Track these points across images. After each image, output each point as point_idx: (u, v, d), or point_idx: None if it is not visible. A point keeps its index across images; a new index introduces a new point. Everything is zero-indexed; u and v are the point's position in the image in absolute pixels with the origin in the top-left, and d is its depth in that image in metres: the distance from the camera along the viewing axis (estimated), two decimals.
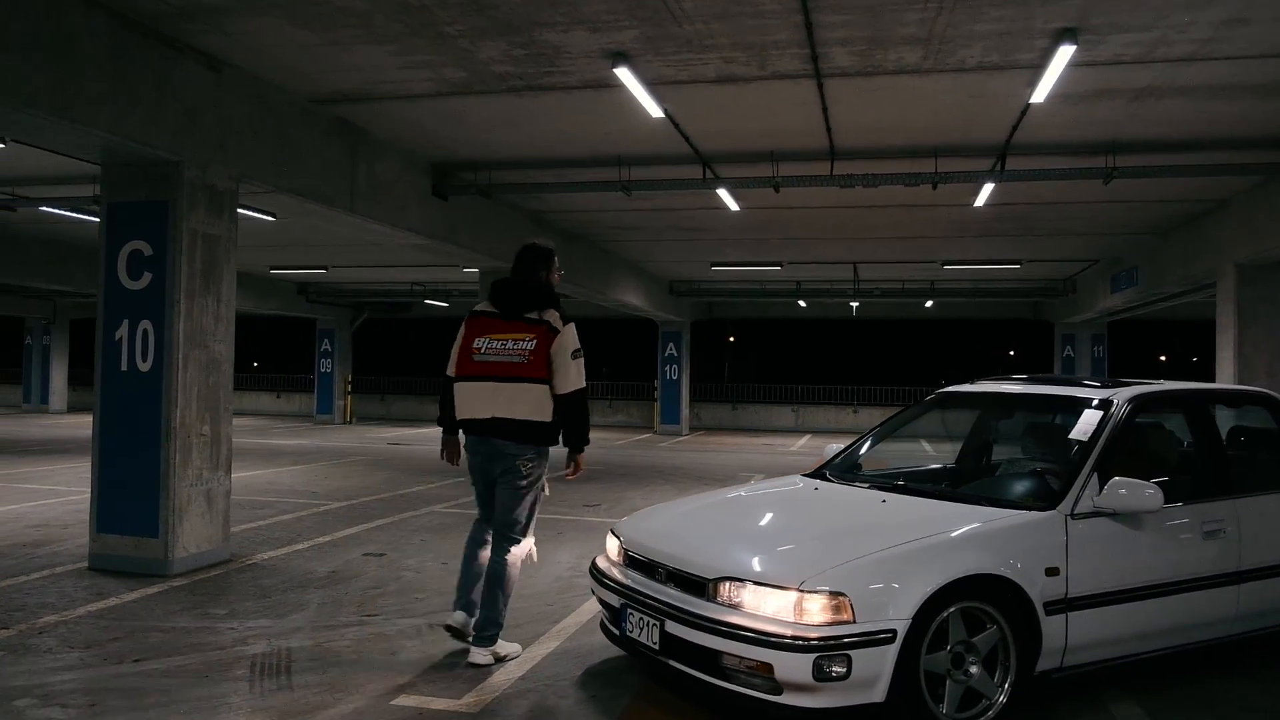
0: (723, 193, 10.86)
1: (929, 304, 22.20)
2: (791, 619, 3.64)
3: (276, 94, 7.57)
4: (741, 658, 3.70)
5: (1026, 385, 5.41)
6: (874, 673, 3.60)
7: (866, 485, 4.86)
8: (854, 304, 21.46)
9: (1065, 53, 6.26)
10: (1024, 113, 7.91)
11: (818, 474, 5.29)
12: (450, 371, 4.88)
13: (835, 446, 5.71)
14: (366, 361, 34.55)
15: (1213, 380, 11.84)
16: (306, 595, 6.10)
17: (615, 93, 7.40)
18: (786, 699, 3.63)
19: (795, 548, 4.08)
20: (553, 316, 4.68)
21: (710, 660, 3.81)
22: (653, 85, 7.30)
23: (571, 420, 4.78)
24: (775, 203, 12.05)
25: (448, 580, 6.53)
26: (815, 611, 3.63)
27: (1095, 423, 4.60)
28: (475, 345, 4.74)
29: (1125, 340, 23.31)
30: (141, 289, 6.64)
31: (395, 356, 31.44)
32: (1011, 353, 26.16)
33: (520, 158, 9.94)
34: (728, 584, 3.86)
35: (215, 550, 6.96)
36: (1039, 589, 3.96)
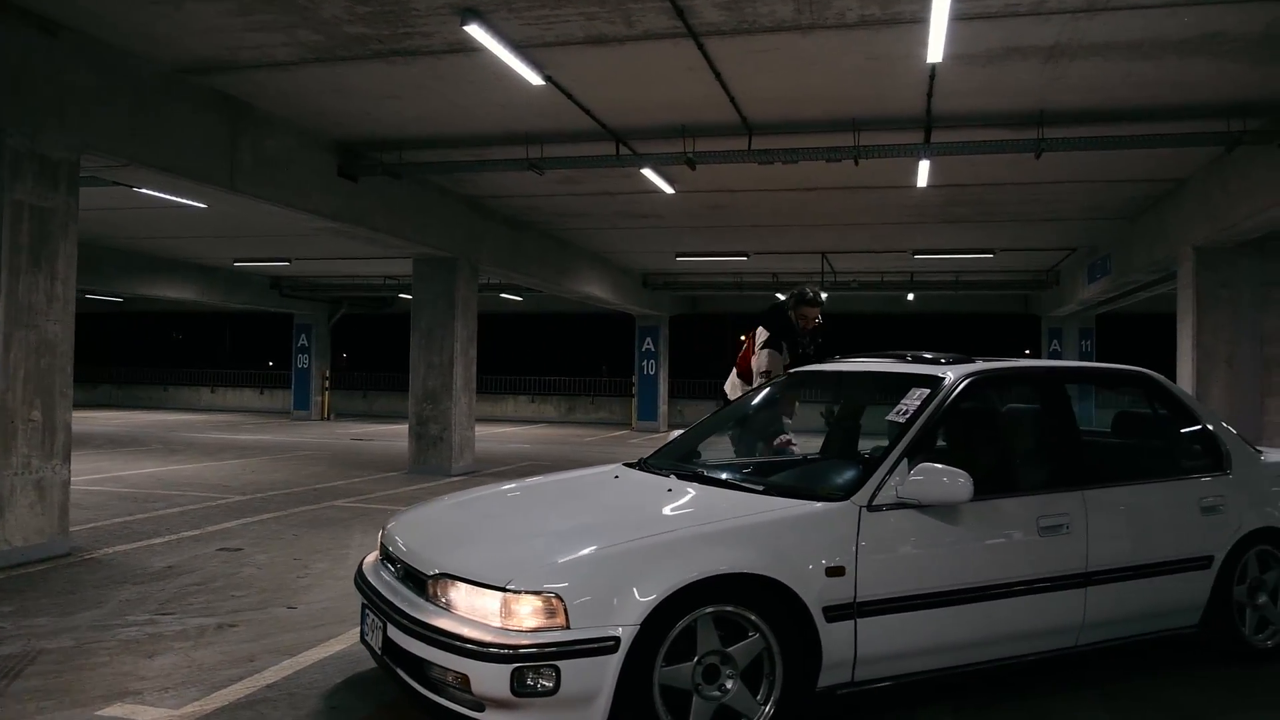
0: (649, 173, 10.36)
1: (910, 297, 21.52)
2: (498, 623, 3.14)
3: (133, 62, 7.14)
4: (445, 668, 3.20)
5: (870, 363, 4.87)
6: (590, 687, 3.08)
7: (668, 474, 4.32)
8: (823, 295, 20.75)
9: (944, 1, 5.70)
10: (933, 78, 7.36)
11: (637, 461, 4.77)
12: None
13: (676, 434, 5.18)
14: (349, 357, 34.33)
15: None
16: (116, 592, 5.66)
17: (485, 58, 6.92)
18: (488, 717, 3.13)
19: (523, 542, 3.56)
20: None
21: (421, 669, 3.32)
22: (521, 48, 6.82)
23: None
24: (714, 186, 11.53)
25: (286, 577, 6.11)
26: (524, 615, 3.12)
27: (917, 403, 4.05)
28: None
29: (1114, 334, 22.51)
30: None
31: (378, 352, 31.11)
32: (1001, 348, 25.42)
33: (427, 136, 9.47)
34: (443, 582, 3.36)
35: (49, 544, 6.53)
36: (817, 591, 3.42)
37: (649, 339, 23.13)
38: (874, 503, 3.66)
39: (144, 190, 9.95)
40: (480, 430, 21.41)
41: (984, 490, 4.05)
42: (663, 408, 23.31)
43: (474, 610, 3.21)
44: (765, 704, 3.35)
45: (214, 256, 19.11)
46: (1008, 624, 3.89)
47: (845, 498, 3.66)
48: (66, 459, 6.70)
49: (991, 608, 3.82)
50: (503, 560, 3.34)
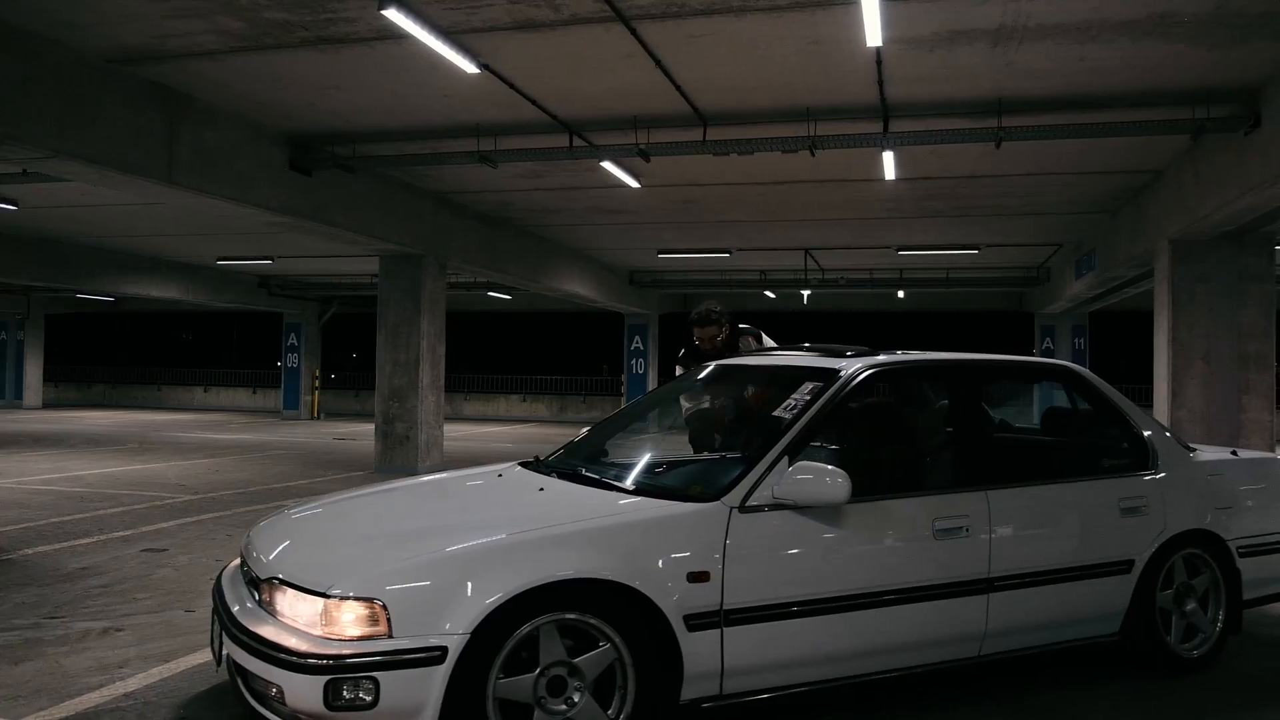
0: (610, 167, 10.14)
1: (901, 294, 21.24)
2: (318, 631, 2.94)
3: (57, 51, 6.95)
4: (264, 679, 2.99)
5: (776, 358, 4.63)
6: (414, 701, 2.87)
7: (551, 473, 4.10)
8: (805, 293, 20.54)
9: None
10: (880, 64, 7.11)
11: (533, 459, 4.55)
12: None
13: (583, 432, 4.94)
14: (342, 357, 34.16)
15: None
16: (15, 595, 5.48)
17: (416, 46, 6.70)
18: None
19: (360, 545, 3.34)
20: None
21: (246, 679, 3.11)
22: (450, 34, 6.61)
23: None
24: (681, 180, 11.34)
25: (199, 580, 5.92)
26: (345, 623, 2.92)
27: (806, 398, 3.82)
28: None
29: (1109, 331, 22.15)
30: None
31: (371, 351, 30.87)
32: (994, 346, 25.06)
33: (378, 129, 9.28)
34: (272, 587, 3.15)
35: None
36: (677, 598, 3.20)
37: (638, 337, 22.92)
38: (748, 504, 3.43)
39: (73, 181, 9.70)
40: (469, 429, 21.36)
41: (873, 490, 3.85)
42: None
43: (296, 617, 3.01)
44: (617, 718, 3.13)
45: (196, 255, 18.99)
46: (899, 633, 3.65)
47: (716, 498, 3.44)
48: None
49: (880, 615, 3.59)
50: (331, 564, 3.14)
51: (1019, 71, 7.23)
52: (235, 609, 3.28)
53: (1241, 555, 4.49)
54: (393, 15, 6.06)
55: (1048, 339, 20.74)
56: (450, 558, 3.07)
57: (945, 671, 3.86)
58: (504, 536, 3.18)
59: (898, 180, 10.82)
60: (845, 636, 3.54)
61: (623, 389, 23.40)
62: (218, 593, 3.57)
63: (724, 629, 3.29)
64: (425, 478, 4.62)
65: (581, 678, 3.10)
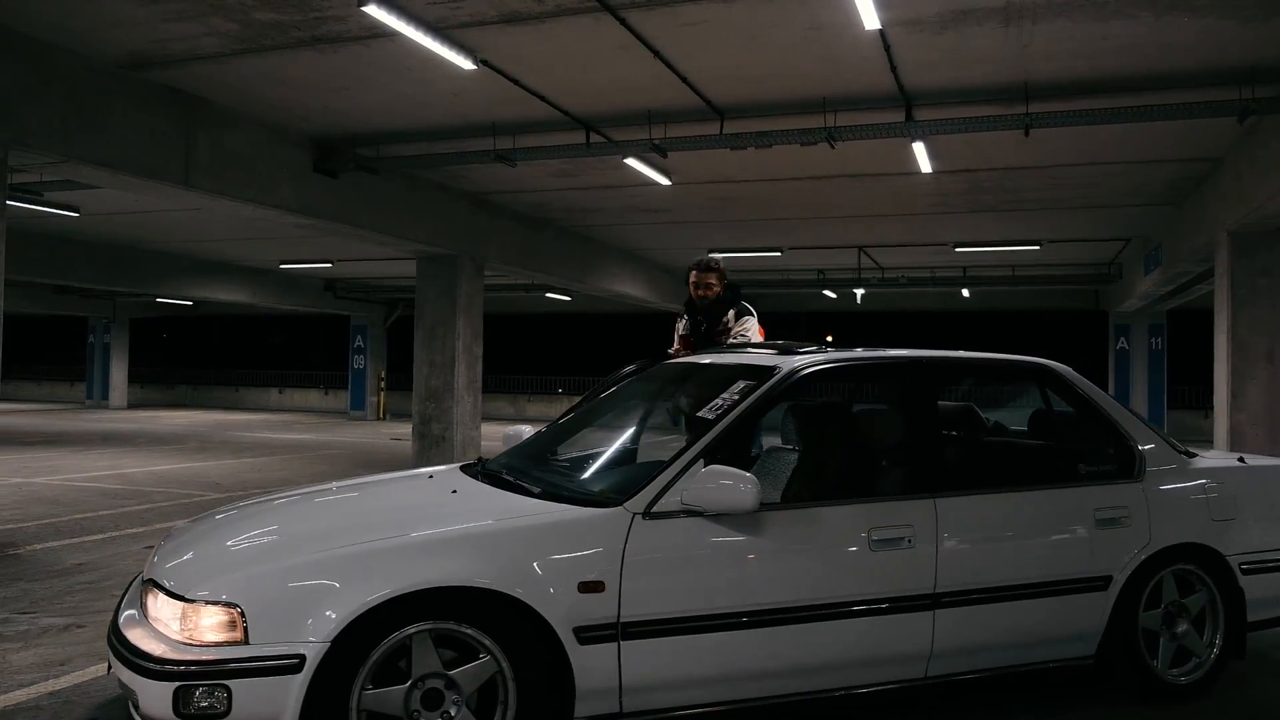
0: (635, 164, 9.96)
1: (965, 293, 20.52)
2: (177, 636, 2.84)
3: (66, 58, 7.11)
4: (125, 684, 2.91)
5: (724, 356, 4.39)
6: (268, 711, 2.74)
7: (478, 476, 3.93)
8: (859, 292, 19.99)
9: None
10: (888, 49, 6.78)
11: (475, 460, 4.40)
12: None
13: (525, 429, 4.76)
14: (408, 358, 34.68)
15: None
16: (6, 590, 5.59)
17: (411, 44, 6.64)
18: None
19: (242, 547, 3.23)
20: None
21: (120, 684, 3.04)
22: (439, 30, 6.53)
23: None
24: (713, 176, 11.12)
25: None
26: (203, 628, 2.81)
27: (733, 398, 3.59)
28: None
29: (1189, 331, 20.92)
30: None
31: None
32: (1067, 346, 23.90)
33: (396, 129, 9.30)
34: (147, 590, 3.07)
35: None
36: (565, 609, 3.01)
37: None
38: (654, 510, 3.21)
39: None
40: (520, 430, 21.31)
41: (804, 496, 3.60)
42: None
43: (161, 621, 2.92)
44: None
45: (260, 259, 19.45)
46: (828, 651, 3.39)
47: (619, 503, 3.23)
48: None
49: (804, 632, 3.33)
50: (202, 567, 3.05)
51: (1039, 54, 6.82)
52: (125, 614, 3.21)
53: (1245, 573, 4.08)
54: (373, 11, 6.00)
55: (1122, 339, 19.78)
56: (315, 564, 2.94)
57: (899, 693, 3.58)
58: (376, 542, 3.04)
59: (937, 173, 10.41)
60: (764, 654, 3.30)
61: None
62: (122, 596, 3.52)
63: (621, 643, 3.09)
64: (359, 479, 4.50)
65: (459, 691, 2.94)
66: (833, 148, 8.31)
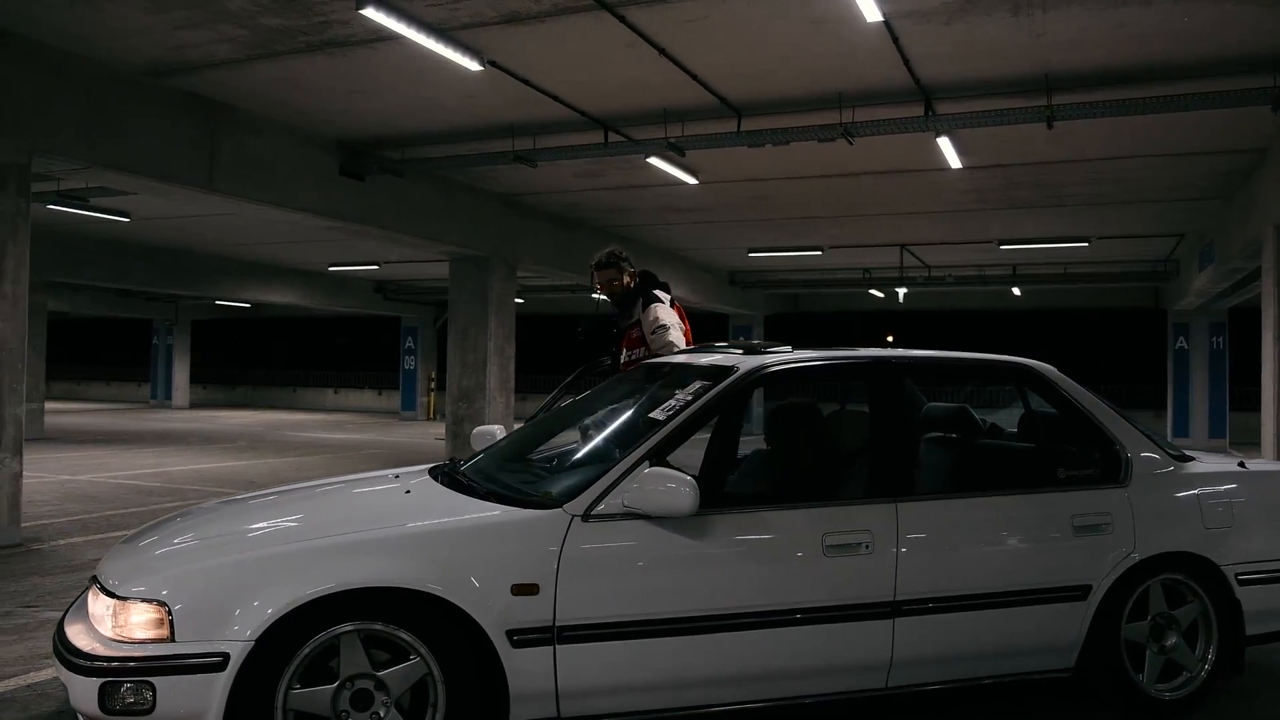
0: (658, 163, 9.90)
1: (1017, 291, 20.03)
2: (109, 633, 2.87)
3: (87, 67, 7.30)
4: (61, 679, 2.96)
5: (695, 355, 4.31)
6: (192, 709, 2.76)
7: (439, 477, 3.89)
8: (901, 291, 19.62)
9: None
10: (896, 41, 6.62)
11: (448, 460, 4.39)
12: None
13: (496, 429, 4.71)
14: None
15: None
16: (17, 583, 5.77)
17: (415, 46, 6.68)
18: None
19: (184, 546, 3.25)
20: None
21: None
22: (442, 32, 6.56)
23: None
24: (740, 175, 11.00)
25: None
26: (132, 625, 2.84)
27: (687, 399, 3.52)
28: None
29: (1254, 330, 20.13)
30: None
31: None
32: (1124, 346, 23.09)
33: (417, 132, 9.39)
34: (89, 585, 3.12)
35: None
36: (497, 612, 2.98)
37: (742, 338, 22.47)
38: (594, 512, 3.16)
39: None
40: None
41: (755, 499, 3.52)
42: (757, 409, 22.58)
43: (96, 617, 2.96)
44: None
45: (309, 261, 19.82)
46: (778, 659, 3.30)
47: (559, 505, 3.19)
48: (17, 452, 6.90)
49: (751, 639, 3.25)
50: (138, 564, 3.08)
51: (1055, 44, 6.60)
52: (72, 611, 3.27)
53: (1243, 583, 3.87)
54: (371, 13, 6.05)
55: (1181, 338, 19.08)
56: (243, 563, 2.95)
57: (859, 703, 3.48)
58: (306, 542, 3.04)
59: (970, 169, 10.18)
60: (710, 661, 3.22)
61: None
62: (80, 594, 3.58)
63: (557, 647, 3.05)
64: (328, 480, 4.50)
65: (388, 692, 2.92)
66: (850, 144, 8.15)
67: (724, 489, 3.58)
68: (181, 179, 8.15)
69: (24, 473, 7.08)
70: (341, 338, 35.80)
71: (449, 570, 2.98)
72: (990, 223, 13.72)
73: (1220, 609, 3.85)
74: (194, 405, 28.98)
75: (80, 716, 2.87)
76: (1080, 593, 3.65)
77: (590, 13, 6.27)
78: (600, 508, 3.17)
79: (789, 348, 3.93)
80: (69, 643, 2.91)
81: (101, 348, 37.03)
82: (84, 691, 2.78)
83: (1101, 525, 3.71)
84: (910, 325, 24.30)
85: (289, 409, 29.23)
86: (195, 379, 29.64)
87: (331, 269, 20.45)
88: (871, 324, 28.82)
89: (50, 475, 10.90)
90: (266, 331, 35.52)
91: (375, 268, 19.73)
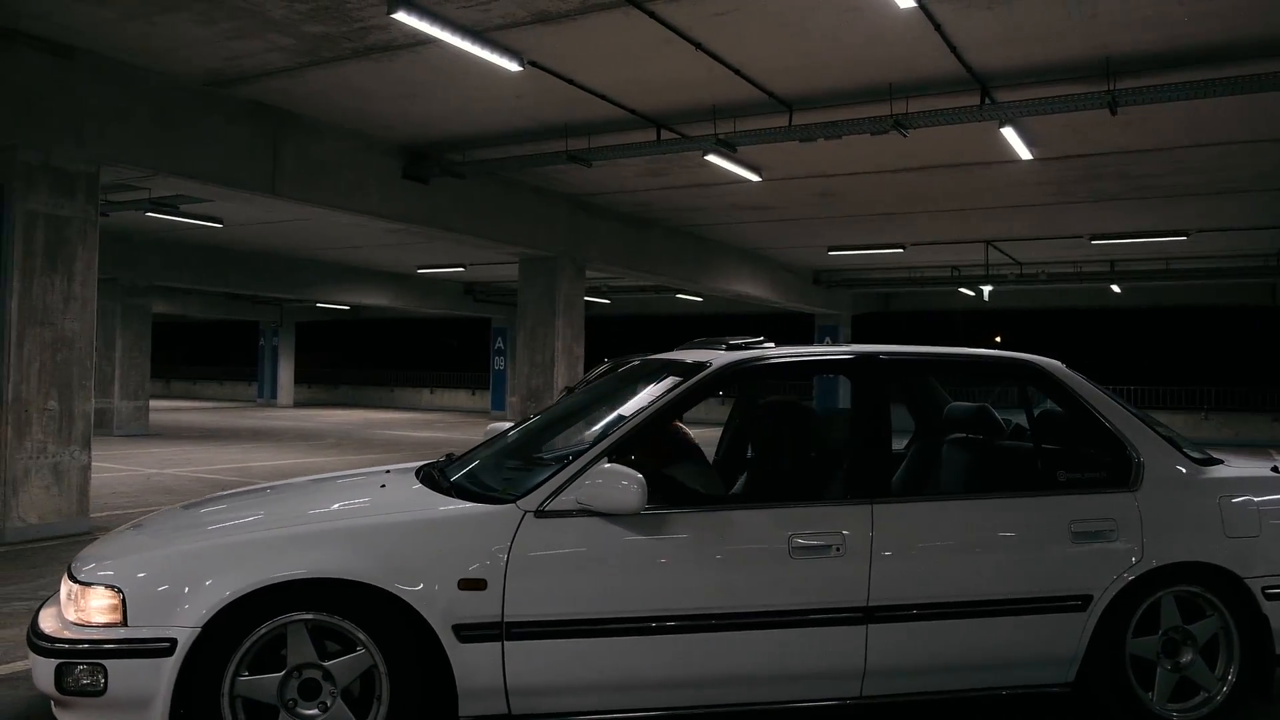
0: (716, 159, 9.79)
1: (1116, 289, 19.11)
2: (71, 616, 2.99)
3: (152, 78, 7.64)
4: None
5: (684, 352, 4.22)
6: (142, 692, 2.85)
7: (418, 474, 3.91)
8: (986, 289, 18.88)
9: None
10: (939, 28, 6.38)
11: (443, 458, 4.42)
12: None
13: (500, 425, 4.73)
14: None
15: None
16: (34, 570, 6.04)
17: (454, 49, 6.77)
18: (59, 714, 2.99)
19: (142, 534, 3.37)
20: None
21: None
22: (477, 34, 6.63)
23: None
24: (806, 171, 10.83)
25: None
26: (90, 609, 2.95)
27: (654, 396, 3.46)
28: None
29: None
30: None
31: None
32: (1237, 344, 21.60)
33: (475, 134, 9.53)
34: (65, 573, 3.25)
35: (66, 522, 7.13)
36: (443, 606, 2.98)
37: (828, 339, 22.12)
38: (547, 508, 3.14)
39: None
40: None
41: (721, 498, 3.44)
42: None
43: (63, 602, 3.08)
44: None
45: (399, 264, 20.37)
46: (740, 662, 3.21)
47: (514, 500, 3.17)
48: (86, 445, 7.28)
49: (713, 641, 3.17)
50: (105, 552, 3.20)
51: (1109, 24, 6.27)
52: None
53: (1270, 598, 3.59)
54: (403, 18, 6.15)
55: None
56: (196, 552, 3.04)
57: (831, 711, 3.36)
58: (258, 533, 3.11)
59: (1045, 160, 9.78)
60: (665, 662, 3.16)
61: (812, 391, 22.66)
62: None
63: (506, 643, 3.03)
64: (325, 475, 4.57)
65: (334, 682, 2.96)
66: (904, 136, 7.91)
67: (689, 488, 3.50)
68: (245, 184, 8.47)
69: (116, 466, 7.44)
70: (438, 339, 36.74)
71: (393, 563, 2.99)
72: (1076, 217, 13.12)
73: (1244, 625, 3.58)
74: (297, 404, 30.12)
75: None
76: (1079, 603, 3.44)
77: (619, 9, 6.24)
78: (554, 504, 3.15)
79: (772, 344, 3.83)
80: (37, 627, 3.04)
81: (216, 349, 38.90)
82: (43, 671, 2.90)
83: (1104, 531, 3.49)
84: (1010, 325, 23.44)
85: (386, 408, 30.10)
86: (299, 379, 30.80)
87: (420, 271, 20.96)
88: (973, 324, 27.95)
89: (139, 469, 11.48)
90: (366, 333, 36.70)
91: (461, 270, 20.13)
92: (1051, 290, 19.76)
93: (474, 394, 30.40)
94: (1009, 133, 8.47)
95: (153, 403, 19.01)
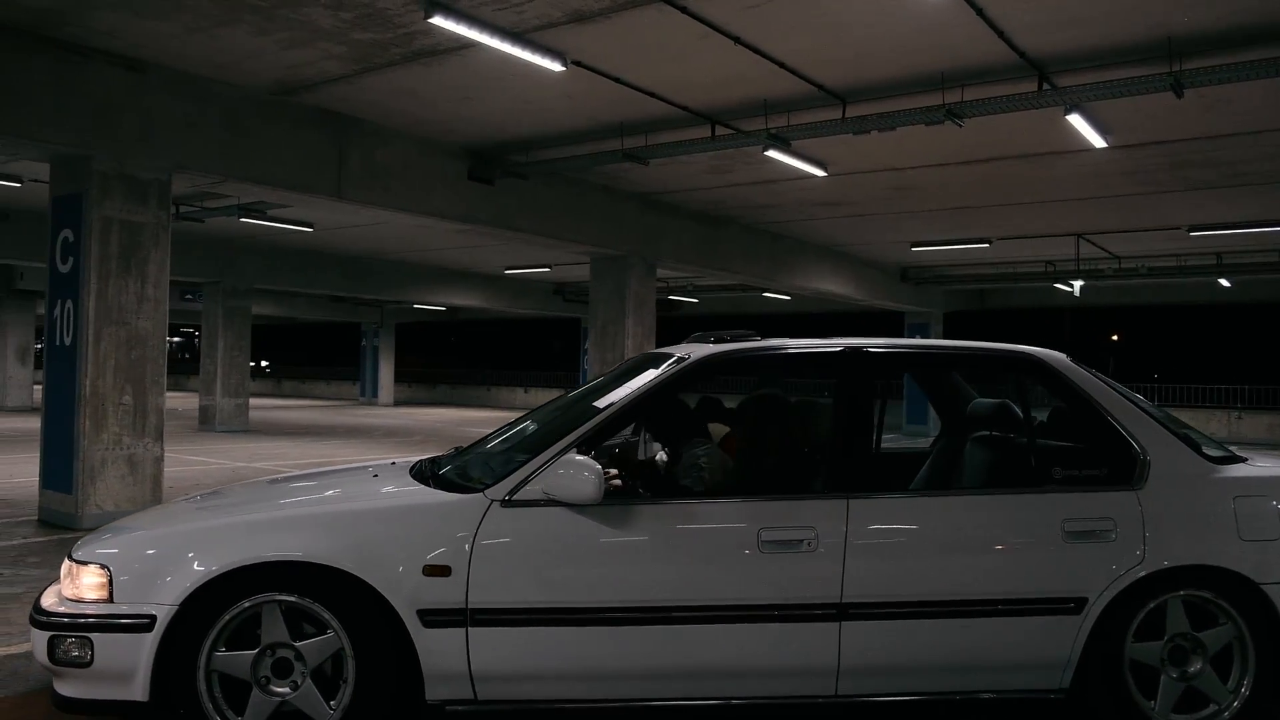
0: (777, 154, 9.67)
1: (1225, 283, 18.08)
2: (68, 593, 3.19)
3: (221, 88, 8.01)
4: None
5: (678, 346, 4.20)
6: (125, 665, 3.02)
7: (412, 468, 4.00)
8: (1076, 284, 18.01)
9: None
10: (980, 12, 6.18)
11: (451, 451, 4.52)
12: None
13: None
14: None
15: None
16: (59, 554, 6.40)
17: (497, 51, 6.90)
18: (55, 684, 3.19)
19: (158, 519, 3.54)
20: None
21: None
22: (516, 36, 6.74)
23: None
24: (873, 165, 10.63)
25: None
26: (82, 586, 3.14)
27: (630, 389, 3.48)
28: None
29: None
30: (67, 272, 7.41)
31: None
32: None
33: (533, 135, 9.65)
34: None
35: (140, 510, 7.54)
36: (408, 592, 3.07)
37: (918, 337, 21.57)
38: (515, 498, 3.19)
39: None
40: None
41: (691, 491, 3.42)
42: (933, 410, 21.58)
43: (62, 581, 3.28)
44: (336, 709, 3.06)
45: (488, 265, 20.80)
46: (706, 657, 3.20)
47: (483, 490, 3.23)
48: (159, 438, 7.69)
49: (675, 634, 3.17)
50: (106, 534, 3.38)
51: (1167, 3, 5.96)
52: None
53: None
54: (440, 22, 6.30)
55: None
56: (180, 533, 3.20)
57: (803, 709, 3.31)
58: (239, 516, 3.25)
59: (1126, 148, 9.37)
60: (628, 653, 3.17)
61: (902, 392, 22.15)
62: None
63: (470, 629, 3.09)
64: (343, 465, 4.73)
65: (304, 663, 3.07)
66: (960, 125, 7.68)
67: (657, 481, 3.50)
68: (311, 189, 8.80)
69: (208, 460, 7.84)
70: (534, 339, 37.40)
71: (362, 549, 3.09)
72: (1168, 207, 12.48)
73: (1260, 634, 3.37)
74: (397, 403, 31.07)
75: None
76: (1072, 605, 3.31)
77: (651, 5, 6.26)
78: (522, 494, 3.19)
79: (758, 337, 3.80)
80: (38, 603, 3.25)
81: (323, 350, 40.51)
82: (38, 642, 3.10)
83: (1100, 531, 3.34)
84: (1120, 321, 22.45)
85: (481, 407, 30.77)
86: (400, 378, 31.78)
87: (508, 272, 21.36)
88: (1078, 321, 26.87)
89: (228, 462, 12.04)
90: (463, 333, 37.66)
91: (547, 270, 20.43)
92: (1158, 285, 18.84)
93: (566, 393, 30.74)
94: (1077, 120, 8.12)
95: (263, 401, 19.95)
